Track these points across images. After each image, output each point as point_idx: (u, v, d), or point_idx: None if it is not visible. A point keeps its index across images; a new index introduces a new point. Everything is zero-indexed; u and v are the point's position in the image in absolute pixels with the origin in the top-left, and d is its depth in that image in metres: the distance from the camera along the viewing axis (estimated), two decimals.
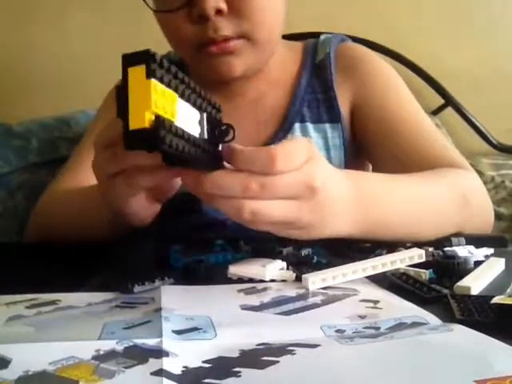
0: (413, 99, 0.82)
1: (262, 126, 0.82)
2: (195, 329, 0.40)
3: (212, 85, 0.82)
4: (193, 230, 0.77)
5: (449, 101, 1.41)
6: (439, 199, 0.65)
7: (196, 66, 0.79)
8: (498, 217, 1.33)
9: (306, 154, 0.48)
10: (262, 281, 0.52)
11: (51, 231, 0.74)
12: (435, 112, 1.42)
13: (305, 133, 0.81)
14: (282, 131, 0.81)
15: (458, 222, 0.66)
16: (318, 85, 0.83)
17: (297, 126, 0.81)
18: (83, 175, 0.76)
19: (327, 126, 0.82)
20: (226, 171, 0.46)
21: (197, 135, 0.43)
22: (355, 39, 1.36)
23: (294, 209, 0.48)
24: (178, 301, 0.46)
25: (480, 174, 1.34)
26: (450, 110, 1.41)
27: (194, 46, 0.73)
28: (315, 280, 0.49)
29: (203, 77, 0.77)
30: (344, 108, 0.82)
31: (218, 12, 0.69)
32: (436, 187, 0.66)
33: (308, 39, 0.91)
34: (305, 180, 0.47)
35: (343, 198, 0.53)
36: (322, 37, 0.88)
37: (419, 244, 0.59)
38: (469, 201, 0.67)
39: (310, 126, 0.81)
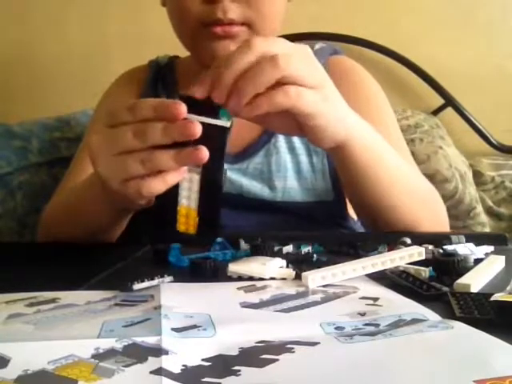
0: (392, 114, 0.88)
1: (246, 129, 0.82)
2: (195, 326, 0.40)
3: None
4: None
5: (449, 101, 1.40)
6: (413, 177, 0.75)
7: (194, 47, 0.80)
8: (498, 217, 1.33)
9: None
10: (261, 279, 0.52)
11: (60, 229, 0.74)
12: (435, 112, 1.41)
13: (288, 138, 0.83)
14: (265, 135, 0.83)
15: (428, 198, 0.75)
16: None
17: None
18: (85, 176, 0.76)
19: None
20: None
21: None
22: (355, 39, 1.37)
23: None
24: (177, 298, 0.46)
25: (480, 174, 1.34)
26: (450, 110, 1.41)
27: (199, 25, 0.75)
28: (315, 278, 0.49)
29: (198, 65, 0.79)
30: None
31: None
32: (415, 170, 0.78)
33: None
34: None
35: (345, 106, 0.61)
36: (317, 45, 0.90)
37: (416, 240, 0.59)
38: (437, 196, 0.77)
39: None
